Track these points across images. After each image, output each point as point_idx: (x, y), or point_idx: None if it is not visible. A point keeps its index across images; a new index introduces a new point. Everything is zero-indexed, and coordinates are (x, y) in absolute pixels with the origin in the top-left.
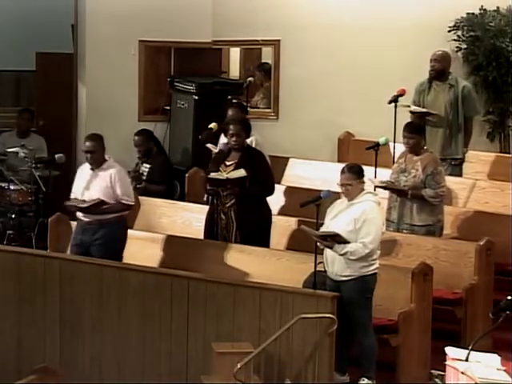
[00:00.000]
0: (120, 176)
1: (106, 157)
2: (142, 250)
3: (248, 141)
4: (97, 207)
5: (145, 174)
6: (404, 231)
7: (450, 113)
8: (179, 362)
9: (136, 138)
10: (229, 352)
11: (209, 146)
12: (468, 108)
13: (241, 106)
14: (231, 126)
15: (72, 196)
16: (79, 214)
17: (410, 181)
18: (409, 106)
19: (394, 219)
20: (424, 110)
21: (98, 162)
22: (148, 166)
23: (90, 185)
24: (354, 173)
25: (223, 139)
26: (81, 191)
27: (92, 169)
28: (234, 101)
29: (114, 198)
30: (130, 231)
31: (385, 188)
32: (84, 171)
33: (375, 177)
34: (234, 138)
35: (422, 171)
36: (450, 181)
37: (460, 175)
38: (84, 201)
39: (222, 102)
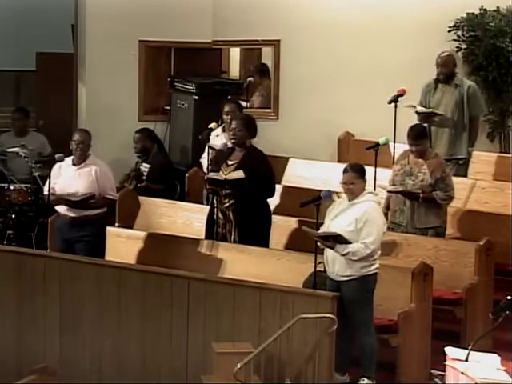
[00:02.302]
0: (105, 171)
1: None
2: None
3: None
4: (86, 201)
5: (145, 173)
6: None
7: (455, 113)
8: (179, 362)
9: (135, 135)
10: (229, 352)
11: (211, 144)
12: (473, 107)
13: (237, 102)
14: (233, 121)
15: (45, 192)
16: (62, 209)
17: (418, 184)
18: (414, 107)
19: (401, 222)
20: (430, 110)
21: (83, 156)
22: (148, 165)
23: (73, 180)
24: (357, 172)
25: (222, 139)
26: (62, 187)
27: (74, 164)
28: (229, 97)
29: (98, 193)
30: (130, 231)
31: (398, 192)
32: (63, 167)
33: (375, 177)
34: (232, 132)
35: (429, 175)
36: None
37: (465, 175)
38: (73, 196)
39: (221, 102)
